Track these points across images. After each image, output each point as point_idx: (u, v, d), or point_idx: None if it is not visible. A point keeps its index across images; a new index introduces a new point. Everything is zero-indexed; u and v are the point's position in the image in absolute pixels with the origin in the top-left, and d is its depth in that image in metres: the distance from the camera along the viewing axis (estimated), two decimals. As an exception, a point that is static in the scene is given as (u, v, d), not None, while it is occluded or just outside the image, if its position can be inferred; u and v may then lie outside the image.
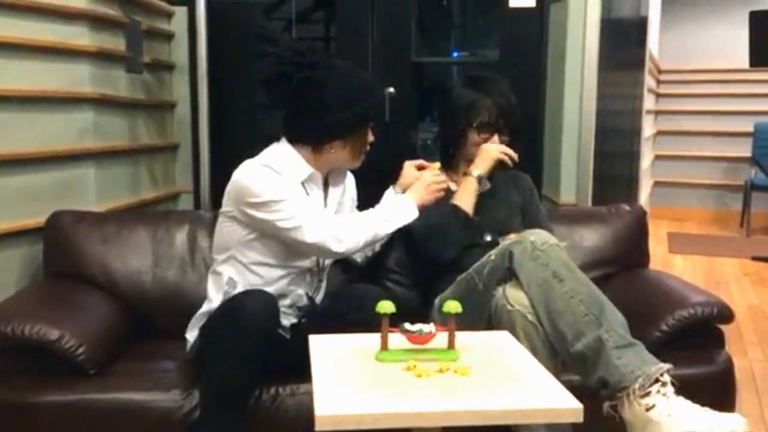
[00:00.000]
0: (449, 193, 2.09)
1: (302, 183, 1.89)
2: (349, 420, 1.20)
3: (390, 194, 2.10)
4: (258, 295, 1.69)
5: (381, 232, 1.91)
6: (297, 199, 1.82)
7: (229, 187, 1.86)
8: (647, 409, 1.53)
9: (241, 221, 1.84)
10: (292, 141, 1.91)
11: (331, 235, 1.81)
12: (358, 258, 2.10)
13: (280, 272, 1.87)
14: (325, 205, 1.96)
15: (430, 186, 1.99)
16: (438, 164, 2.11)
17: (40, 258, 2.16)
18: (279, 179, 1.82)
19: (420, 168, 2.09)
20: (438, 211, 2.01)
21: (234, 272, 1.86)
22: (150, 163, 2.74)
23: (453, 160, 2.20)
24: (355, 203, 2.12)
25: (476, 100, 2.10)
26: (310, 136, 1.89)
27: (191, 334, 1.87)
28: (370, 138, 1.95)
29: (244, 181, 1.82)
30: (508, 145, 2.13)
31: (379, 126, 2.00)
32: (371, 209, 1.99)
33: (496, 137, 2.10)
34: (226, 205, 1.87)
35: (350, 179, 2.10)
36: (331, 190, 1.99)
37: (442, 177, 2.06)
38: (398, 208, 1.94)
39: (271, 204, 1.79)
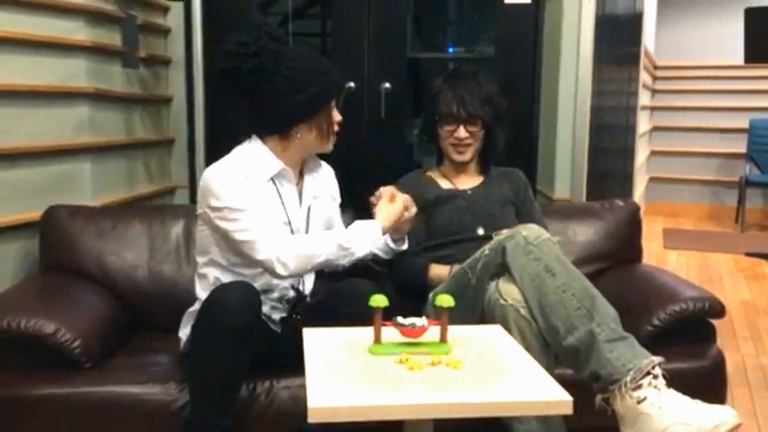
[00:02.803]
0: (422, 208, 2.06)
1: (273, 179, 1.86)
2: (341, 412, 1.21)
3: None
4: (236, 287, 1.67)
5: (335, 259, 1.80)
6: (256, 211, 1.77)
7: (199, 190, 1.85)
8: (639, 402, 1.54)
9: (209, 223, 1.82)
10: (260, 136, 1.88)
11: (277, 259, 1.75)
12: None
13: (259, 269, 1.83)
14: (300, 199, 1.92)
15: (400, 218, 1.89)
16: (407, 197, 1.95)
17: (35, 252, 2.16)
18: (242, 184, 1.78)
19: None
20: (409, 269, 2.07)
21: (218, 273, 1.85)
22: (146, 157, 2.74)
23: (438, 157, 2.24)
24: (338, 201, 2.06)
25: (439, 93, 2.12)
26: (273, 126, 1.86)
27: (183, 332, 1.87)
28: (338, 117, 1.90)
29: (207, 182, 1.79)
30: (485, 137, 2.14)
31: (339, 103, 1.93)
32: (335, 232, 1.92)
33: (461, 129, 2.11)
34: (199, 208, 1.85)
35: (328, 173, 2.05)
36: (307, 180, 1.95)
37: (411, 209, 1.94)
38: (362, 236, 1.82)
39: (227, 211, 1.76)
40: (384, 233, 1.86)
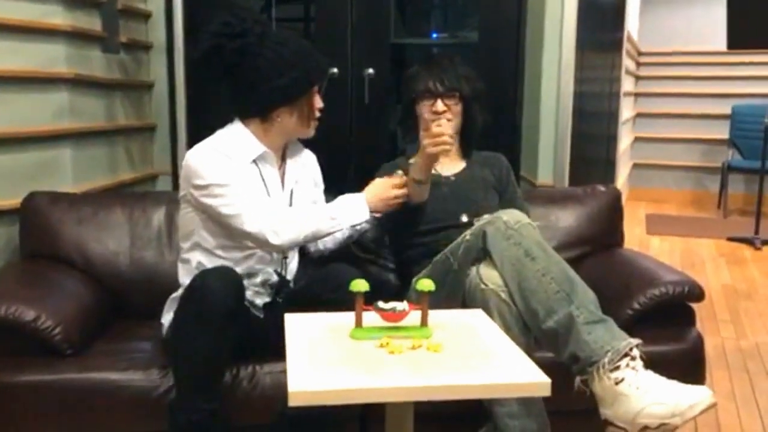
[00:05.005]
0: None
1: (256, 162, 1.86)
2: (322, 395, 1.22)
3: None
4: (220, 271, 1.68)
5: (324, 228, 1.84)
6: (241, 185, 1.79)
7: (181, 172, 1.85)
8: (617, 383, 1.56)
9: (194, 205, 1.83)
10: (242, 118, 1.89)
11: (269, 227, 1.77)
12: (311, 247, 2.05)
13: (243, 253, 1.86)
14: (283, 183, 1.93)
15: (389, 199, 1.92)
16: (400, 173, 1.98)
17: (16, 239, 2.15)
18: (225, 162, 1.79)
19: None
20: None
21: (201, 257, 1.85)
22: (127, 144, 2.72)
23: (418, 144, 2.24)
24: (321, 187, 2.07)
25: (416, 74, 2.15)
26: (254, 109, 1.86)
27: (166, 318, 1.87)
28: (319, 104, 1.91)
29: (190, 163, 1.80)
30: (463, 117, 2.15)
31: (321, 89, 1.92)
32: (322, 204, 1.96)
33: (439, 102, 2.11)
34: (181, 190, 1.86)
35: (311, 159, 2.06)
36: (289, 163, 1.96)
37: (403, 191, 1.95)
38: (348, 207, 1.87)
39: (213, 187, 1.77)
40: (369, 206, 1.88)
